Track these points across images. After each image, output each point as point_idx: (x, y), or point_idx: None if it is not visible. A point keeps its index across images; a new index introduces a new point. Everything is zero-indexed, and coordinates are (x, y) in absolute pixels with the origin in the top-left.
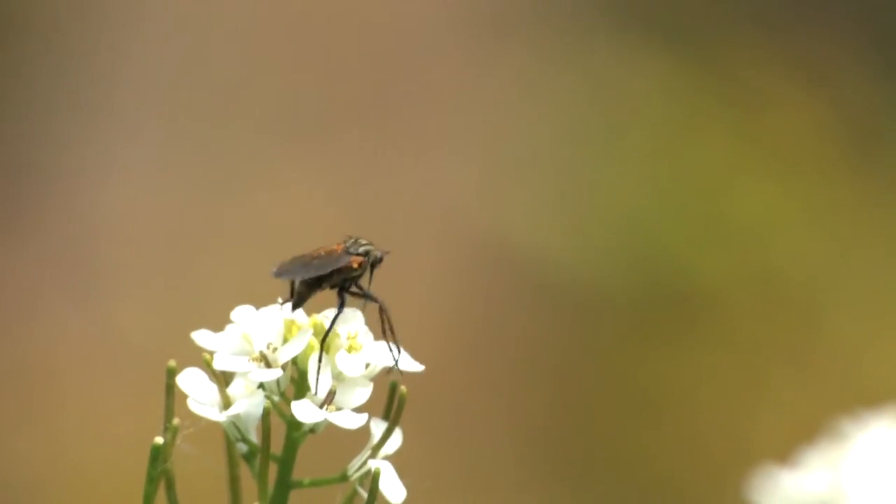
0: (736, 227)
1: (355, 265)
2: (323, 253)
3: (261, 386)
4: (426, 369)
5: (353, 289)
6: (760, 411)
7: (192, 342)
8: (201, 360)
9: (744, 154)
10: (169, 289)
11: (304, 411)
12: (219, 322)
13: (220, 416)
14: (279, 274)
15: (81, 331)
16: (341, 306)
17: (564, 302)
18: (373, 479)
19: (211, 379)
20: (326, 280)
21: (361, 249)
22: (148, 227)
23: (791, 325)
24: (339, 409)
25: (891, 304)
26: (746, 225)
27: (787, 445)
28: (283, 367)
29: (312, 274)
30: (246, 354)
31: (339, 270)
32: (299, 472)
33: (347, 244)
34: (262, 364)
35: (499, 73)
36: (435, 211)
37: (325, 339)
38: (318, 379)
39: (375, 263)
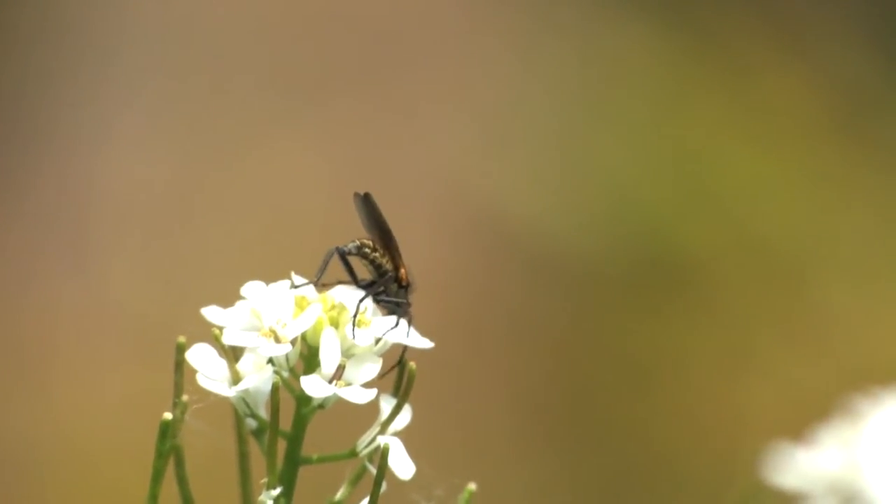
0: (725, 195)
1: (402, 283)
2: (399, 263)
3: (270, 361)
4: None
5: (383, 295)
6: (750, 379)
7: (187, 309)
8: (199, 328)
9: (733, 122)
10: (165, 255)
11: (314, 386)
12: (214, 288)
13: (230, 392)
14: (364, 198)
15: (76, 298)
16: (366, 296)
17: (558, 273)
18: (382, 455)
19: (220, 354)
20: (374, 283)
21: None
22: (143, 193)
23: (780, 293)
24: (348, 384)
25: (880, 272)
26: (736, 193)
27: (776, 413)
28: (293, 343)
29: (376, 263)
30: (255, 330)
31: (387, 281)
32: (308, 449)
33: (409, 276)
34: (272, 339)
35: (494, 39)
36: (430, 178)
37: (355, 316)
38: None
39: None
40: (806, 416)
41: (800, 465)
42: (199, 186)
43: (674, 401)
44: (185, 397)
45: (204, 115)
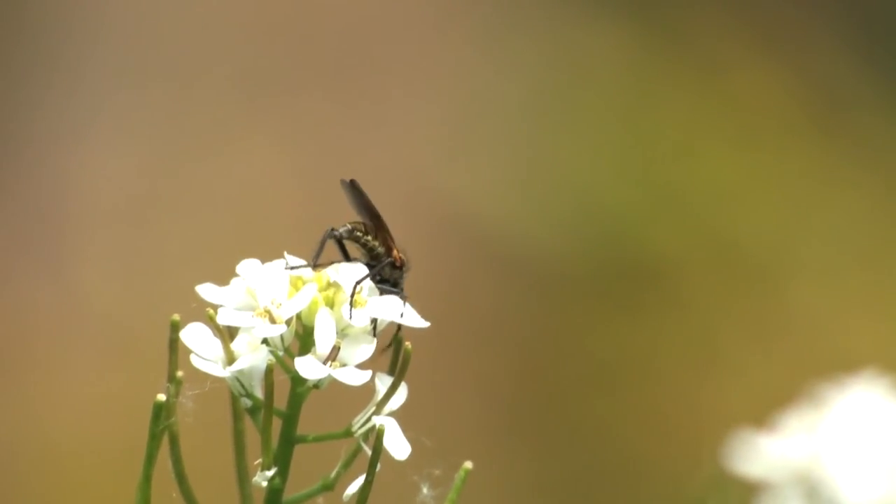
0: (695, 195)
1: (397, 264)
2: (391, 245)
3: (265, 341)
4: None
5: (378, 277)
6: (718, 378)
7: (162, 309)
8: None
9: (704, 122)
10: (140, 256)
11: (308, 368)
12: (189, 287)
13: (224, 372)
14: (350, 184)
15: (51, 299)
16: (365, 278)
17: (526, 273)
18: (377, 435)
19: (215, 334)
20: (370, 266)
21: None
22: (117, 194)
23: (751, 294)
24: (343, 365)
25: (851, 272)
26: (706, 193)
27: (744, 413)
28: (288, 323)
29: (368, 246)
30: (250, 309)
31: (382, 265)
32: (304, 428)
33: (403, 256)
34: (267, 319)
35: (461, 39)
36: (397, 178)
37: (352, 296)
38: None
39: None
40: (775, 416)
41: (764, 453)
42: (171, 186)
43: (641, 400)
44: (180, 373)
45: (175, 115)
